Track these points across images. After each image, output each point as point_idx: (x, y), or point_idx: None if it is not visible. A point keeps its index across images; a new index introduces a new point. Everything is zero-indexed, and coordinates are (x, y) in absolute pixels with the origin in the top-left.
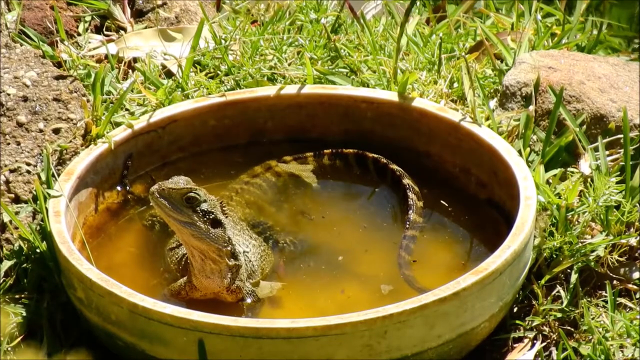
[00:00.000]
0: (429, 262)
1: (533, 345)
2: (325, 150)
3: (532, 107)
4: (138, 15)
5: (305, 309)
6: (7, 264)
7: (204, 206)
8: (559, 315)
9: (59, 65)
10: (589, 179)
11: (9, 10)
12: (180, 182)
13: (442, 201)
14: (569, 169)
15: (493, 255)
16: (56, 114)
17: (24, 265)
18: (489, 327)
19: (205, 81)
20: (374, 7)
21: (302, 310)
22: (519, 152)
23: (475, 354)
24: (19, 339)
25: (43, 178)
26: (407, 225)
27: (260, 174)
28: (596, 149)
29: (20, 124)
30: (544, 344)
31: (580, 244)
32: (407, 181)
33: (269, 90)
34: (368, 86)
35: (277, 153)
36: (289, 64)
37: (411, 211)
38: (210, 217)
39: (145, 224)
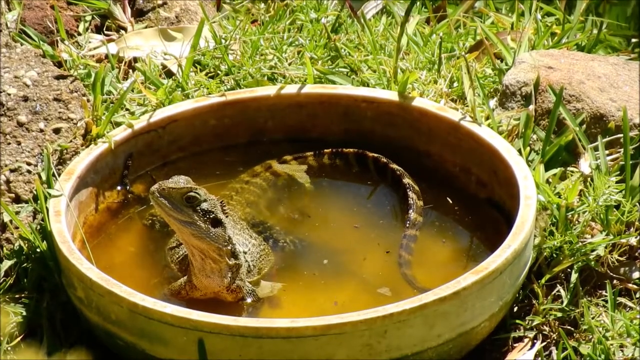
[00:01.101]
0: (429, 261)
1: (533, 344)
2: (326, 150)
3: (532, 107)
4: (138, 14)
5: (304, 309)
6: (7, 263)
7: (204, 205)
8: (559, 314)
9: (59, 64)
10: (588, 179)
11: (10, 10)
12: (180, 181)
13: (442, 200)
14: (568, 168)
15: (493, 254)
16: (56, 113)
17: (24, 264)
18: (489, 327)
19: (206, 81)
20: (374, 6)
21: (300, 309)
22: (519, 151)
23: (475, 353)
24: (19, 338)
25: (43, 178)
26: (408, 225)
27: (260, 174)
28: (596, 149)
29: (20, 124)
30: (544, 343)
31: (580, 244)
32: (407, 180)
33: (269, 90)
34: (368, 86)
35: (277, 153)
36: (289, 64)
37: (411, 210)
38: (211, 216)
39: (145, 223)
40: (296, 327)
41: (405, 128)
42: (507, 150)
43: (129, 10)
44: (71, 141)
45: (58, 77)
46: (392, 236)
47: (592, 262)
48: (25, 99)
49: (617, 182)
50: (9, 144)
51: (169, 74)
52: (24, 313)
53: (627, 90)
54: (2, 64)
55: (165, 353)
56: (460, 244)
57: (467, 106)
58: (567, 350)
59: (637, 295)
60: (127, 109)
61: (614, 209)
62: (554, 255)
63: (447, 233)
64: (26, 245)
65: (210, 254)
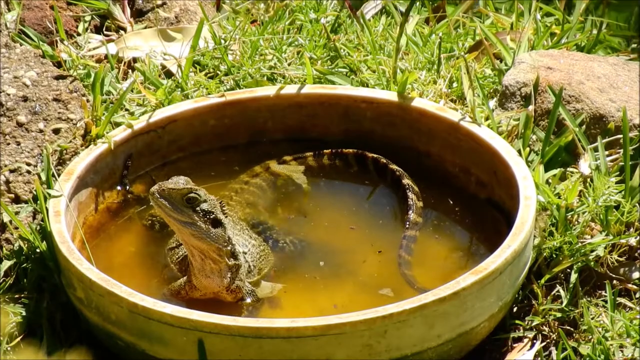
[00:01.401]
0: (429, 262)
1: (533, 345)
2: (325, 150)
3: (531, 107)
4: (138, 15)
5: (305, 310)
6: (7, 263)
7: (204, 206)
8: (559, 315)
9: (58, 65)
10: (588, 179)
11: (9, 10)
12: (180, 182)
13: (442, 201)
14: (568, 168)
15: (493, 254)
16: (56, 114)
17: (24, 265)
18: (488, 327)
19: (205, 81)
20: (374, 6)
21: (301, 310)
22: (519, 151)
23: (475, 353)
24: (18, 338)
25: (43, 178)
26: (407, 226)
27: (260, 174)
28: (596, 149)
29: (20, 124)
30: (544, 343)
31: (580, 244)
32: (406, 181)
33: (269, 90)
34: (368, 86)
35: (277, 153)
36: (289, 64)
37: (411, 211)
38: (211, 217)
39: (145, 223)
40: (296, 327)
41: (405, 128)
42: (507, 151)
43: (128, 10)
44: (71, 141)
45: (57, 78)
46: (391, 237)
47: (592, 263)
48: (25, 99)
49: (616, 183)
50: (9, 144)
51: (169, 74)
52: (24, 313)
53: (626, 91)
54: (1, 64)
55: (165, 353)
56: (460, 244)
57: (466, 106)
58: (566, 350)
59: (637, 296)
60: (126, 109)
61: (614, 210)
62: (554, 255)
63: (447, 233)
64: (26, 245)
65: (210, 254)
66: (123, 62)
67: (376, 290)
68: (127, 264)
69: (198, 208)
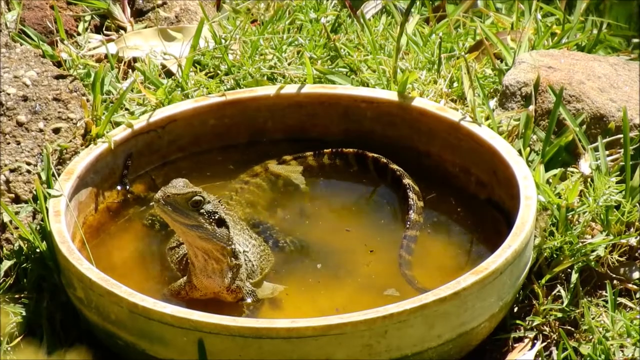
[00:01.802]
0: (429, 261)
1: (533, 345)
2: (325, 150)
3: (532, 107)
4: (138, 14)
5: (306, 310)
6: (7, 263)
7: (208, 207)
8: (560, 315)
9: (58, 64)
10: (589, 179)
11: (9, 10)
12: (179, 184)
13: (442, 200)
14: (569, 168)
15: (493, 254)
16: (56, 113)
17: (24, 265)
18: (489, 327)
19: (205, 81)
20: (374, 6)
21: (302, 311)
22: (519, 151)
23: (475, 353)
24: (18, 338)
25: (43, 178)
26: (408, 225)
27: (259, 174)
28: (596, 149)
29: (20, 124)
30: (545, 343)
31: (580, 244)
32: (407, 181)
33: (269, 90)
34: (368, 86)
35: (277, 153)
36: (289, 64)
37: (411, 211)
38: (215, 217)
39: (145, 223)
40: (296, 327)
41: (405, 128)
42: (507, 151)
43: (128, 10)
44: (71, 141)
45: (57, 77)
46: (391, 237)
47: (592, 263)
48: (25, 98)
49: (617, 183)
50: (9, 143)
51: (169, 73)
52: (24, 313)
53: (627, 91)
54: (1, 64)
55: (165, 353)
56: (460, 244)
57: (467, 106)
58: (567, 350)
59: (637, 296)
60: (126, 109)
61: (614, 210)
62: (554, 255)
63: (447, 233)
64: (26, 245)
65: (214, 254)
66: (123, 62)
67: (377, 290)
68: (127, 264)
69: (203, 210)
